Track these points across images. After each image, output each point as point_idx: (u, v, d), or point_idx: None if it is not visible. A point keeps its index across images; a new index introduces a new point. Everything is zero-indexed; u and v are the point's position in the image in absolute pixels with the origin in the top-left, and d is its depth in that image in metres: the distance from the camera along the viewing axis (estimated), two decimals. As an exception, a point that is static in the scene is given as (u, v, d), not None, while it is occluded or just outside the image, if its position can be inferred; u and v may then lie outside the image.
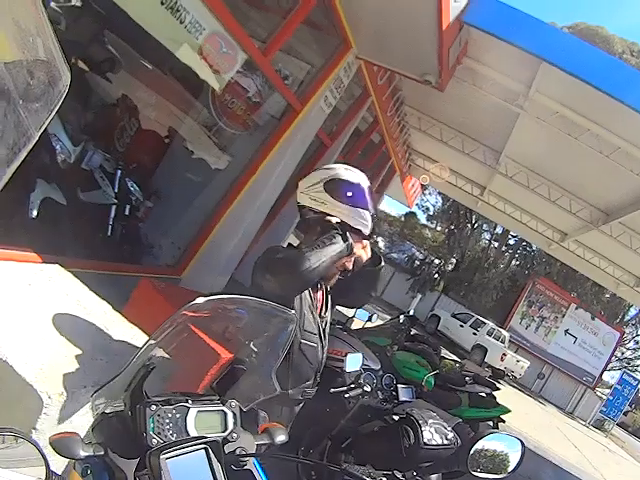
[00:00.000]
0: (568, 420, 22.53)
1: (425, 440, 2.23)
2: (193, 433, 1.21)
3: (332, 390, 2.50)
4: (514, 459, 1.83)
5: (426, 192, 31.34)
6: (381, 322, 6.68)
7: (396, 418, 2.52)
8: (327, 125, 6.82)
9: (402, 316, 6.35)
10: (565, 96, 6.24)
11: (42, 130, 1.00)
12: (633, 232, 9.32)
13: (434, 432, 2.27)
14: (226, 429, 1.27)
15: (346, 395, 2.51)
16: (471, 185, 12.84)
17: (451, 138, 9.87)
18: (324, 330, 2.10)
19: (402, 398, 2.73)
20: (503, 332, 22.05)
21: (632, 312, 31.13)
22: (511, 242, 30.23)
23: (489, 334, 21.29)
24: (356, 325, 5.66)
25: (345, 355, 2.55)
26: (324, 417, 2.61)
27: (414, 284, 25.92)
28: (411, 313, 6.96)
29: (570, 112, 6.46)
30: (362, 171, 2.14)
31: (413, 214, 33.68)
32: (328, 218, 2.02)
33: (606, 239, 9.87)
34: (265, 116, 5.75)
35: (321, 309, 2.12)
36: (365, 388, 2.53)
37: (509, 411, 6.60)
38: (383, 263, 2.17)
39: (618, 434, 27.37)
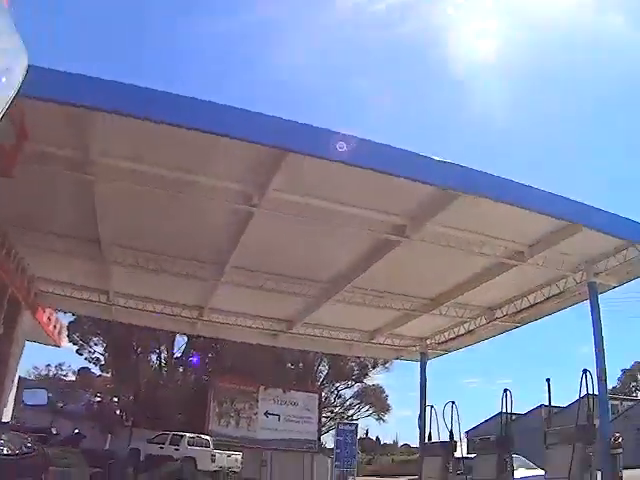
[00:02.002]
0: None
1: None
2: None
3: None
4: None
5: (91, 343, 30.17)
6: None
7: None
8: None
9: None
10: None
11: None
12: (249, 273, 10.84)
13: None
14: None
15: None
16: (98, 294, 12.88)
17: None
18: None
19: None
20: (204, 437, 22.18)
21: (323, 370, 34.39)
22: (178, 354, 31.10)
23: (190, 444, 21.15)
24: None
25: None
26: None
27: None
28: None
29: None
30: None
31: (86, 369, 31.64)
32: None
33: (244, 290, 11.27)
34: None
35: None
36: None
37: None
38: None
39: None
